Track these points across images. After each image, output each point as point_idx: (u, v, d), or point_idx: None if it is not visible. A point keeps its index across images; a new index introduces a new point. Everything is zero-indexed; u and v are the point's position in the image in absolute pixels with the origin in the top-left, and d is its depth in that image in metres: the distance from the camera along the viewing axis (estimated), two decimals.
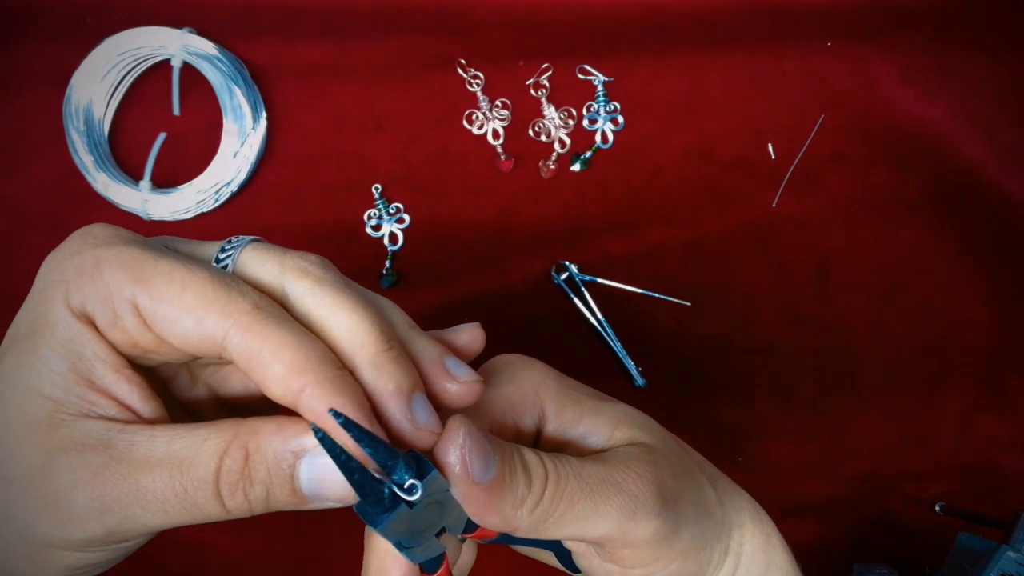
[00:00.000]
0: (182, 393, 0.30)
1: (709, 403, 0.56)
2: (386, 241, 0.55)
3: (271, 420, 0.25)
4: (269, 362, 0.24)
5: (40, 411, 0.24)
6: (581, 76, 0.55)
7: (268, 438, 0.25)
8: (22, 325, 0.25)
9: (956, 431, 0.56)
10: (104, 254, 0.25)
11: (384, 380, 0.25)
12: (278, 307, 0.25)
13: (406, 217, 0.55)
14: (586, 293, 0.54)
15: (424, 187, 0.55)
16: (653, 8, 0.55)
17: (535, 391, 0.31)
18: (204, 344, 0.25)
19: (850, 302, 0.56)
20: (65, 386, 0.24)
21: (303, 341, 0.24)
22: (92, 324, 0.25)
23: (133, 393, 0.25)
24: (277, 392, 0.24)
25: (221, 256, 0.27)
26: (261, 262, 0.27)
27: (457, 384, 0.27)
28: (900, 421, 0.56)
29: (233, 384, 0.31)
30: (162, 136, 0.53)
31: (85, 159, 0.52)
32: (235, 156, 0.53)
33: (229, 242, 0.27)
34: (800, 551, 0.56)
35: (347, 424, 0.23)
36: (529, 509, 0.27)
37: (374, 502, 0.24)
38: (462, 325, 0.30)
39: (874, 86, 0.56)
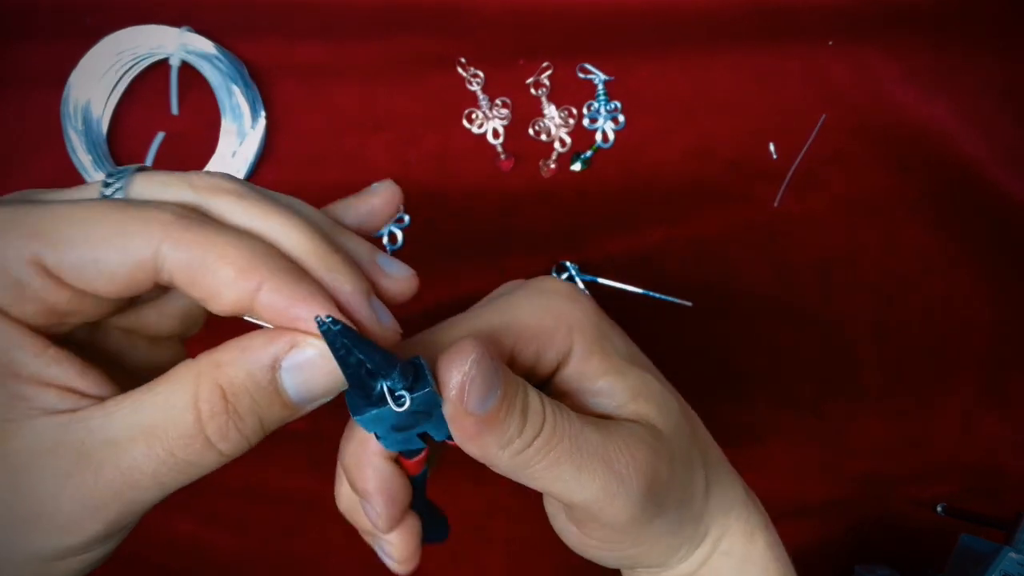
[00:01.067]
0: (119, 359, 0.27)
1: (710, 403, 0.55)
2: (385, 241, 0.54)
3: (228, 346, 0.23)
4: (216, 266, 0.22)
5: None
6: (581, 75, 0.55)
7: (236, 364, 0.22)
8: None
9: (958, 431, 0.56)
10: None
11: (340, 282, 0.24)
12: (202, 213, 0.23)
13: (406, 217, 0.54)
14: (586, 293, 0.54)
15: (424, 187, 0.55)
16: (654, 7, 0.55)
17: (571, 329, 0.29)
18: (135, 275, 0.22)
19: (851, 302, 0.56)
20: None
21: (246, 239, 0.23)
22: None
23: (67, 372, 0.23)
24: (230, 298, 0.22)
25: (107, 190, 0.24)
26: (163, 185, 0.24)
27: (393, 280, 0.26)
28: (901, 421, 0.56)
29: (156, 323, 0.28)
30: (160, 135, 0.53)
31: (83, 158, 0.52)
32: (234, 156, 0.53)
33: (110, 174, 0.25)
34: (801, 552, 0.56)
35: (344, 330, 0.22)
36: (512, 453, 0.25)
37: (363, 394, 0.23)
38: (374, 186, 0.28)
39: (876, 86, 0.55)
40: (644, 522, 0.28)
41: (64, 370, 0.23)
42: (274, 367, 0.23)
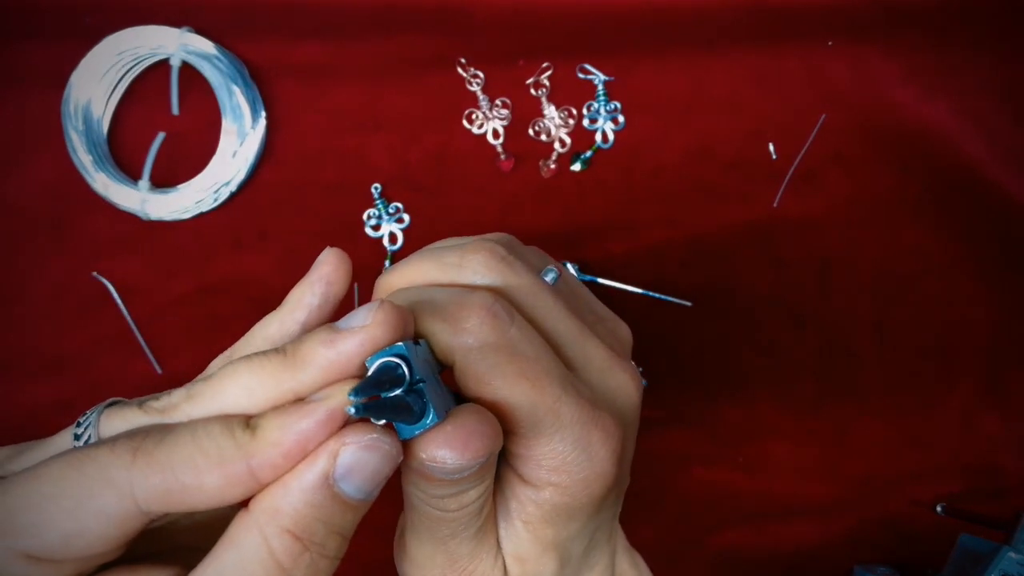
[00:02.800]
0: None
1: (710, 403, 0.56)
2: (386, 241, 0.54)
3: (273, 488, 0.22)
4: (186, 474, 0.21)
5: None
6: (581, 75, 0.55)
7: (292, 499, 0.21)
8: None
9: (957, 431, 0.56)
10: None
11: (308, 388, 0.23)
12: (164, 427, 0.23)
13: (406, 217, 0.54)
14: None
15: (424, 187, 0.55)
16: (654, 7, 0.55)
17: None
18: (124, 526, 0.21)
19: (851, 302, 0.56)
20: None
21: (204, 427, 0.22)
22: None
23: None
24: (214, 484, 0.21)
25: (78, 441, 0.24)
26: (126, 422, 0.24)
27: (357, 331, 0.24)
28: (901, 421, 0.56)
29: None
30: (161, 135, 0.53)
31: (84, 159, 0.52)
32: (234, 156, 0.53)
33: (79, 422, 0.25)
34: (801, 552, 0.56)
35: (368, 407, 0.22)
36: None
37: (410, 422, 0.23)
38: (319, 259, 0.27)
39: (875, 86, 0.55)
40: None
41: None
42: (328, 483, 0.22)
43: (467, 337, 0.25)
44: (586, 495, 0.27)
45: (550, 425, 0.26)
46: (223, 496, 0.21)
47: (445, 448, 0.23)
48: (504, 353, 0.25)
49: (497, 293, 0.27)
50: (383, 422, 0.22)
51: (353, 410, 0.21)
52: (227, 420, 0.22)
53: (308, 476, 0.21)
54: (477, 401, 0.26)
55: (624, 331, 0.33)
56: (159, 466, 0.21)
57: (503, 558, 0.28)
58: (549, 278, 0.31)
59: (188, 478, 0.21)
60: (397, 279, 0.29)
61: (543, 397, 0.25)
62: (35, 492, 0.21)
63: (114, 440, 0.22)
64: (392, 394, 0.23)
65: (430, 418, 0.23)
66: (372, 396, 0.22)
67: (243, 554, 0.21)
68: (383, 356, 0.23)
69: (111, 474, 0.21)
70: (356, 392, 0.22)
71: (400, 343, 0.23)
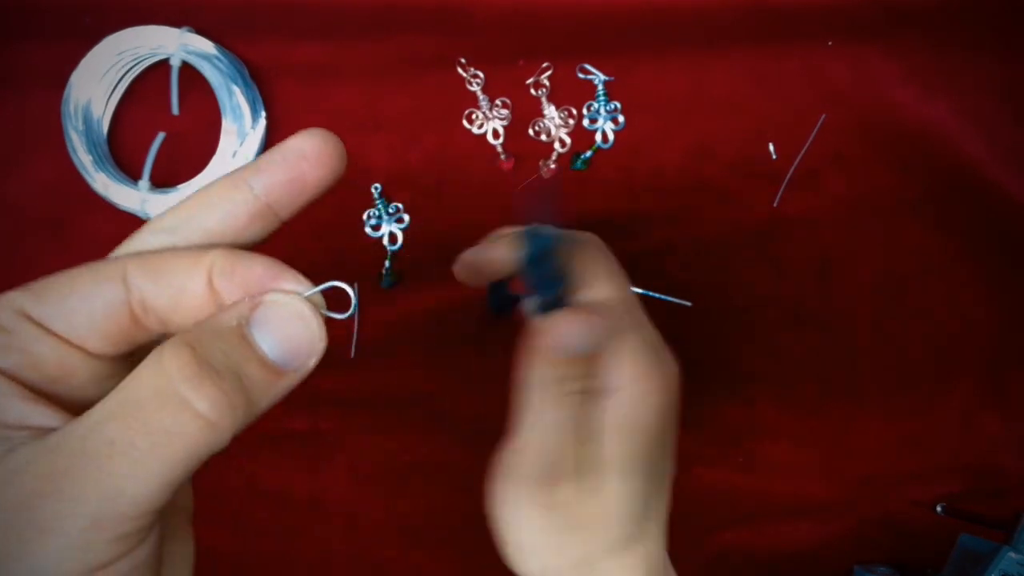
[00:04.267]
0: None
1: (710, 403, 0.56)
2: (386, 241, 0.54)
3: (194, 324, 0.23)
4: (172, 263, 0.23)
5: None
6: (581, 75, 0.55)
7: (201, 328, 0.22)
8: None
9: (958, 432, 0.56)
10: None
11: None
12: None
13: (406, 217, 0.55)
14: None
15: (424, 187, 0.55)
16: (654, 7, 0.55)
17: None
18: (115, 315, 0.23)
19: (851, 302, 0.56)
20: None
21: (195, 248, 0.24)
22: None
23: (52, 418, 0.22)
24: (194, 289, 0.23)
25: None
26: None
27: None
28: (901, 421, 0.56)
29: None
30: (161, 136, 0.53)
31: (84, 159, 0.52)
32: (234, 156, 0.53)
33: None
34: (801, 552, 0.56)
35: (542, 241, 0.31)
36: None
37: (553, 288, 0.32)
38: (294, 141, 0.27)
39: (875, 86, 0.55)
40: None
41: (49, 417, 0.22)
42: (240, 324, 0.22)
43: (590, 248, 0.34)
44: (657, 399, 0.33)
45: (630, 325, 0.33)
46: (190, 294, 0.22)
47: (574, 326, 0.30)
48: (613, 263, 0.34)
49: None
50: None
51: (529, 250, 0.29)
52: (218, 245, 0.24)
53: (222, 316, 0.22)
54: (586, 295, 0.33)
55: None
56: (153, 258, 0.23)
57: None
58: None
59: (169, 267, 0.22)
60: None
61: (625, 295, 0.34)
62: (57, 274, 0.23)
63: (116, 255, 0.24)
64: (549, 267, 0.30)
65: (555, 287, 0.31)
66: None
67: (142, 365, 0.21)
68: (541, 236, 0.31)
69: (117, 264, 0.22)
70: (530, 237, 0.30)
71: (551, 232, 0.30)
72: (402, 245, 0.54)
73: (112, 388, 0.22)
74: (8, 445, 0.21)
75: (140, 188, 0.52)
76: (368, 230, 0.54)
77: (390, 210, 0.54)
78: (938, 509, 0.55)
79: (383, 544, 0.55)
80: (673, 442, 0.35)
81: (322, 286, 0.24)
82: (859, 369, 0.56)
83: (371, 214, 0.54)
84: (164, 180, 0.53)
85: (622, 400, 0.32)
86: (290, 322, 0.23)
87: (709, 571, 0.56)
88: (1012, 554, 0.47)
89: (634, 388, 0.32)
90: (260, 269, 0.23)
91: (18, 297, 0.22)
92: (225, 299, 0.23)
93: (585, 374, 0.31)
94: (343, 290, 0.24)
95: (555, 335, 0.30)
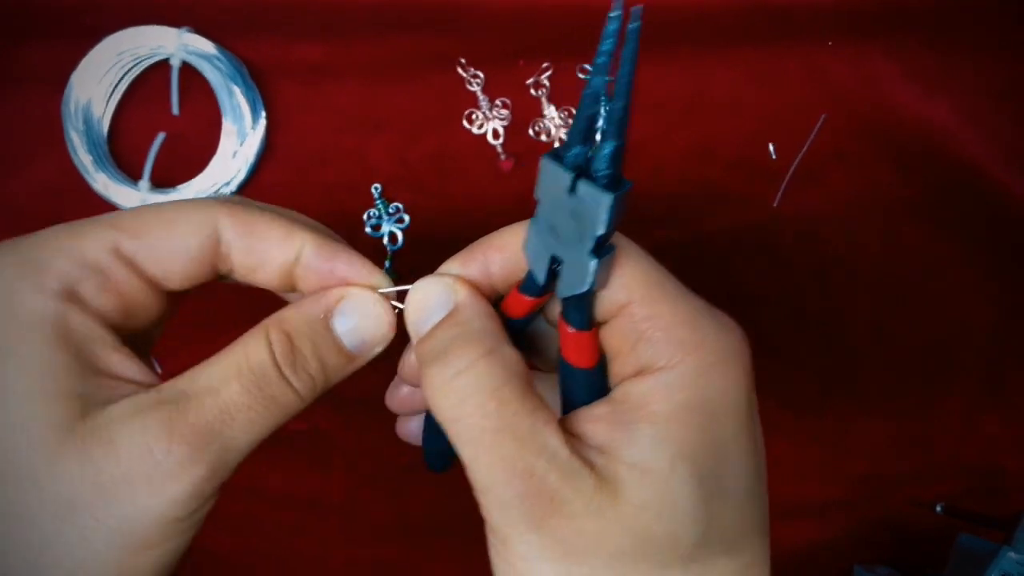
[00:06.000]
0: None
1: None
2: (386, 241, 0.54)
3: (287, 308, 0.26)
4: (265, 231, 0.26)
5: (68, 412, 0.22)
6: (581, 75, 0.55)
7: (296, 316, 0.26)
8: None
9: (958, 432, 0.56)
10: (62, 228, 0.25)
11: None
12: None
13: (406, 217, 0.55)
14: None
15: (424, 187, 0.55)
16: (654, 8, 0.55)
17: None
18: (202, 253, 0.25)
19: (851, 302, 0.56)
20: (83, 378, 0.23)
21: (287, 213, 0.27)
22: (78, 301, 0.23)
23: (134, 368, 0.24)
24: (278, 259, 0.26)
25: None
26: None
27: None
28: (902, 421, 0.56)
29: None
30: (161, 136, 0.53)
31: (84, 159, 0.52)
32: (234, 156, 0.53)
33: None
34: (801, 552, 0.56)
35: None
36: None
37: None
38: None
39: (876, 85, 0.55)
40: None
41: (131, 367, 0.24)
42: (327, 316, 0.26)
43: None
44: (722, 380, 0.24)
45: (661, 296, 0.24)
46: (272, 263, 0.26)
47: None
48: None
49: None
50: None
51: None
52: (308, 220, 0.28)
53: (313, 305, 0.26)
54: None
55: None
56: (246, 216, 0.26)
57: (623, 467, 0.23)
58: None
59: (261, 232, 0.26)
60: None
61: (646, 268, 0.26)
62: (146, 208, 0.25)
63: (219, 197, 0.27)
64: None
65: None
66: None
67: (248, 340, 0.25)
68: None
69: (209, 207, 0.25)
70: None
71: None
72: (402, 245, 0.54)
73: (161, 318, 0.27)
74: (108, 394, 0.23)
75: (140, 188, 0.52)
76: (368, 230, 0.54)
77: (390, 210, 0.54)
78: (938, 509, 0.55)
79: (382, 544, 0.55)
80: (751, 433, 0.25)
81: (400, 288, 0.27)
82: (859, 368, 0.56)
83: (371, 214, 0.54)
84: (164, 180, 0.53)
85: (665, 381, 0.23)
86: (366, 317, 0.27)
87: None
88: (1012, 554, 0.47)
89: (682, 371, 0.23)
90: (344, 260, 0.26)
91: (111, 233, 0.24)
92: (303, 280, 0.27)
93: None
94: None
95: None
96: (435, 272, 0.28)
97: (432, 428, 0.34)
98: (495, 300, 0.28)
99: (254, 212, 0.26)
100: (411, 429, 0.36)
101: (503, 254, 0.28)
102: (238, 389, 0.24)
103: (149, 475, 0.22)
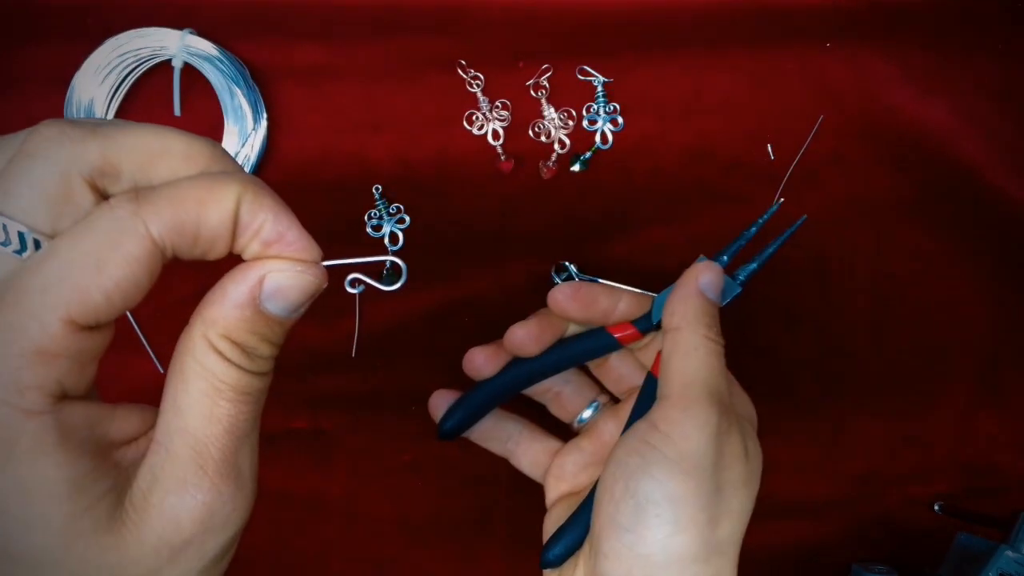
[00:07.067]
0: None
1: None
2: (387, 241, 0.55)
3: (211, 303, 0.25)
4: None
5: (101, 522, 0.23)
6: (581, 77, 0.55)
7: (224, 313, 0.25)
8: None
9: (955, 431, 0.56)
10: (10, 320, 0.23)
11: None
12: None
13: (406, 217, 0.55)
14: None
15: (424, 187, 0.55)
16: (653, 9, 0.55)
17: None
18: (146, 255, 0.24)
19: (849, 302, 0.56)
20: (97, 475, 0.23)
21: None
22: (60, 398, 0.23)
23: (133, 418, 0.26)
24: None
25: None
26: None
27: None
28: (899, 421, 0.56)
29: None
30: None
31: None
32: (236, 157, 0.53)
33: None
34: (799, 551, 0.57)
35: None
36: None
37: None
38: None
39: (873, 87, 0.56)
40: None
41: (129, 421, 0.26)
42: (255, 302, 0.25)
43: None
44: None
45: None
46: (225, 223, 0.24)
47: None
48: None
49: None
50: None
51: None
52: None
53: (237, 294, 0.25)
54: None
55: None
56: (163, 200, 0.23)
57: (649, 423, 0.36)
58: None
59: (193, 209, 0.23)
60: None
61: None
62: (59, 263, 0.22)
63: (107, 201, 0.23)
64: None
65: None
66: None
67: (196, 356, 0.25)
68: None
69: (123, 223, 0.22)
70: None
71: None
72: (403, 245, 0.55)
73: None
74: (125, 470, 0.24)
75: None
76: (369, 230, 0.55)
77: (391, 210, 0.55)
78: (936, 508, 0.55)
79: (383, 542, 0.55)
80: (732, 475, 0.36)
81: (369, 260, 0.28)
82: (856, 368, 0.56)
83: (372, 215, 0.55)
84: None
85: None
86: (294, 284, 0.25)
87: None
88: (1009, 553, 0.47)
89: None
90: (273, 222, 0.25)
91: (60, 304, 0.22)
92: (240, 239, 0.25)
93: None
94: (395, 263, 0.28)
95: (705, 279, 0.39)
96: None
97: (469, 405, 0.44)
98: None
99: (174, 193, 0.24)
100: (438, 404, 0.44)
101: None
102: (226, 405, 0.25)
103: (205, 526, 0.24)
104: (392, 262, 0.28)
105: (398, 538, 0.55)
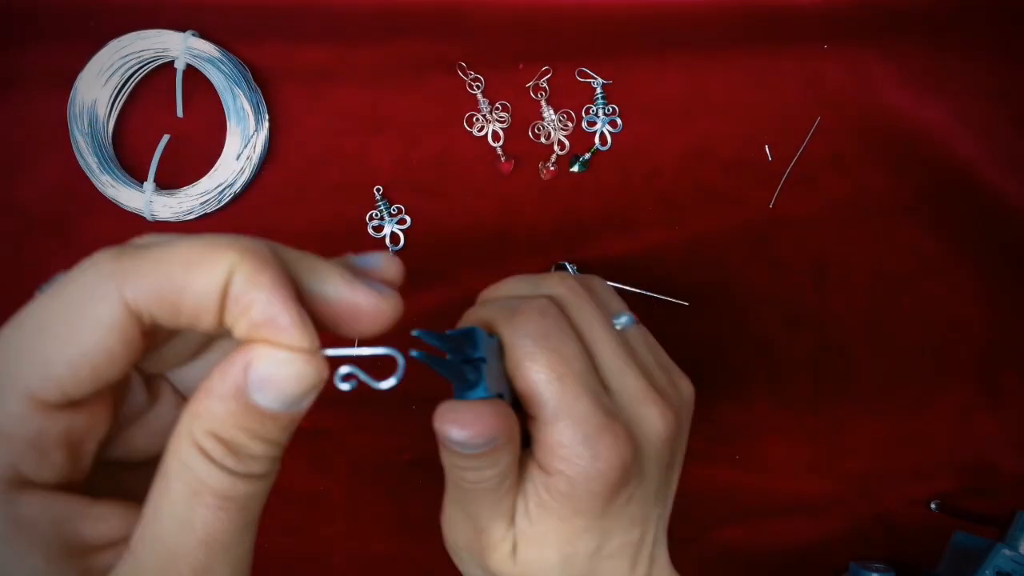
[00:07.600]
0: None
1: (707, 402, 0.56)
2: (388, 242, 0.55)
3: (197, 399, 0.21)
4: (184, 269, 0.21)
5: None
6: (580, 79, 0.56)
7: (209, 408, 0.21)
8: None
9: (953, 430, 0.56)
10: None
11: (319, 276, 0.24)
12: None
13: (407, 218, 0.55)
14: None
15: (425, 188, 0.55)
16: (652, 11, 0.55)
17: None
18: (121, 317, 0.21)
19: (847, 302, 0.56)
20: None
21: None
22: (23, 485, 0.20)
23: (110, 519, 0.22)
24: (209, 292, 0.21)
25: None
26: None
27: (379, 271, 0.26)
28: (897, 420, 0.56)
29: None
30: (166, 138, 0.54)
31: (89, 160, 0.53)
32: (238, 158, 0.53)
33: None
34: (797, 549, 0.57)
35: (424, 357, 0.26)
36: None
37: (463, 385, 0.29)
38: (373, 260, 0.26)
39: (871, 88, 0.56)
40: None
41: (105, 521, 0.22)
42: (241, 393, 0.21)
43: (516, 328, 0.31)
44: (586, 490, 0.30)
45: (565, 416, 0.30)
46: (211, 294, 0.20)
47: (454, 425, 0.28)
48: (541, 345, 0.30)
49: (554, 302, 0.32)
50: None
51: (415, 353, 0.25)
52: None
53: (221, 384, 0.21)
54: (515, 385, 0.31)
55: (686, 386, 0.38)
56: (145, 262, 0.20)
57: (515, 533, 0.32)
58: (621, 320, 0.36)
59: (177, 274, 0.20)
60: (491, 292, 0.36)
61: (564, 390, 0.30)
62: (25, 331, 0.20)
63: (92, 256, 0.21)
64: (451, 359, 0.28)
65: (478, 392, 0.29)
66: (437, 352, 0.28)
67: (179, 453, 0.21)
68: (459, 332, 0.29)
69: (96, 283, 0.20)
70: (425, 335, 0.27)
71: (475, 327, 0.29)
72: (403, 246, 0.55)
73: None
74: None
75: (145, 190, 0.53)
76: (371, 231, 0.55)
77: (392, 211, 0.55)
78: (933, 506, 0.56)
79: (384, 541, 0.56)
80: (625, 543, 0.33)
81: (371, 352, 0.23)
82: (855, 368, 0.56)
83: (373, 215, 0.55)
84: (169, 182, 0.54)
85: (550, 483, 0.31)
86: (283, 380, 0.21)
87: (706, 568, 0.56)
88: (1006, 551, 0.47)
89: (558, 479, 0.31)
90: (264, 302, 0.21)
91: (30, 387, 0.20)
92: (228, 314, 0.21)
93: (494, 464, 0.30)
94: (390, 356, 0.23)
95: (439, 426, 0.28)
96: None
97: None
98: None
99: (160, 256, 0.20)
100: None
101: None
102: (203, 512, 0.21)
103: None
104: (391, 355, 0.24)
105: (398, 536, 0.55)
